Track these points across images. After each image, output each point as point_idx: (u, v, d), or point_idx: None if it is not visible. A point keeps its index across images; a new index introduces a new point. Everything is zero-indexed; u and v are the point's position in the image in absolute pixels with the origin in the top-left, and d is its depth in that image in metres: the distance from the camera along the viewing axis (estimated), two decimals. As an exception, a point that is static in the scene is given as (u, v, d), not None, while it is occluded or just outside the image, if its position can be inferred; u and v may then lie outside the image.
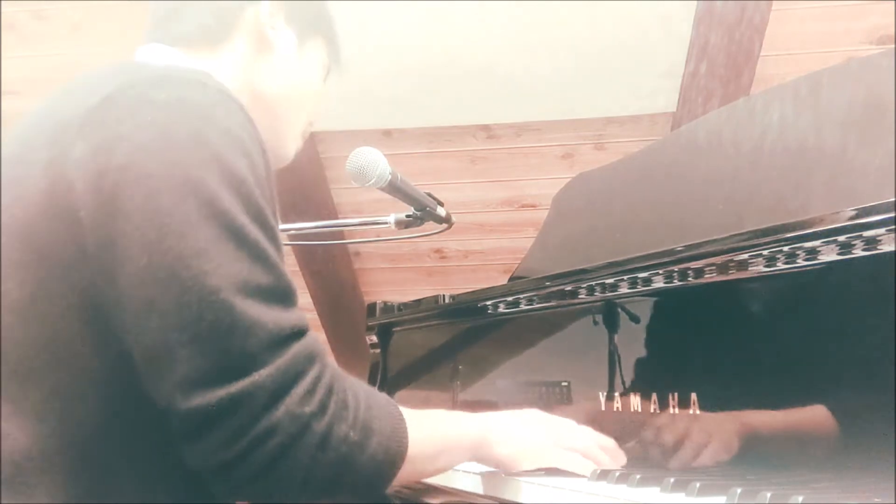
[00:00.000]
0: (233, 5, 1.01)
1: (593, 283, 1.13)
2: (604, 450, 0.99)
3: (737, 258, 0.92)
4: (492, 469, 1.01)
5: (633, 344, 1.09)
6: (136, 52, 0.99)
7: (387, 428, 0.85)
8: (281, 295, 0.80)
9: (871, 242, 0.78)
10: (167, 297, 0.74)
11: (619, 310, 1.11)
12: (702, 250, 0.96)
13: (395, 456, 0.85)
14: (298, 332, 0.80)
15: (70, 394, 0.79)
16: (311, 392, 0.79)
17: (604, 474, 0.93)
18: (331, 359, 0.84)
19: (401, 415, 0.88)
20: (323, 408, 0.79)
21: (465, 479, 1.08)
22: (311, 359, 0.80)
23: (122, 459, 0.80)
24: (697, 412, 0.95)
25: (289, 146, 1.11)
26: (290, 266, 3.09)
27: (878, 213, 0.77)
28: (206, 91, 0.83)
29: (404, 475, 0.87)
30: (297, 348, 0.79)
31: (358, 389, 0.85)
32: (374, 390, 0.89)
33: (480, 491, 1.04)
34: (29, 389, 0.78)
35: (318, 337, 0.83)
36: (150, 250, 0.75)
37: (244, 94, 1.00)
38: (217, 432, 0.75)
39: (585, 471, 0.95)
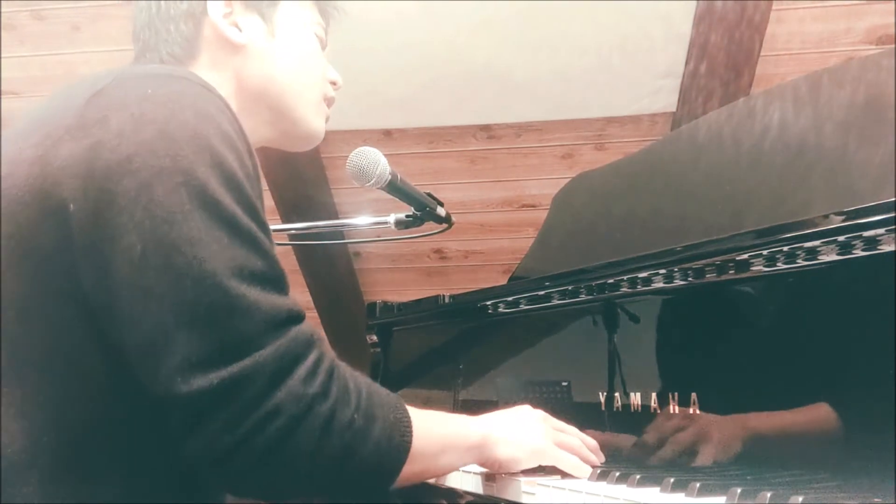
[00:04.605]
0: (189, 26, 1.00)
1: (593, 283, 1.13)
2: (588, 447, 1.02)
3: (737, 258, 0.92)
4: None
5: (633, 344, 1.09)
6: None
7: (389, 417, 0.84)
8: (275, 280, 0.80)
9: (871, 243, 0.78)
10: (163, 283, 0.74)
11: (619, 310, 1.11)
12: (702, 250, 0.96)
13: (398, 445, 0.84)
14: (296, 317, 0.80)
15: (58, 391, 0.78)
16: (312, 374, 0.78)
17: (604, 474, 0.93)
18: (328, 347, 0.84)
19: (403, 406, 0.87)
20: (325, 390, 0.79)
21: (465, 479, 1.08)
22: (309, 343, 0.80)
23: (110, 459, 0.80)
24: (697, 412, 0.95)
25: (309, 122, 1.08)
26: (290, 266, 3.10)
27: (878, 213, 0.77)
28: (192, 86, 0.84)
29: (408, 473, 0.86)
30: (295, 332, 0.79)
31: (358, 378, 0.85)
32: (374, 382, 0.88)
33: (480, 491, 1.04)
34: (15, 387, 0.78)
35: (314, 325, 0.83)
36: (144, 238, 0.75)
37: (238, 97, 1.01)
38: (218, 415, 0.74)
39: (580, 471, 0.96)
